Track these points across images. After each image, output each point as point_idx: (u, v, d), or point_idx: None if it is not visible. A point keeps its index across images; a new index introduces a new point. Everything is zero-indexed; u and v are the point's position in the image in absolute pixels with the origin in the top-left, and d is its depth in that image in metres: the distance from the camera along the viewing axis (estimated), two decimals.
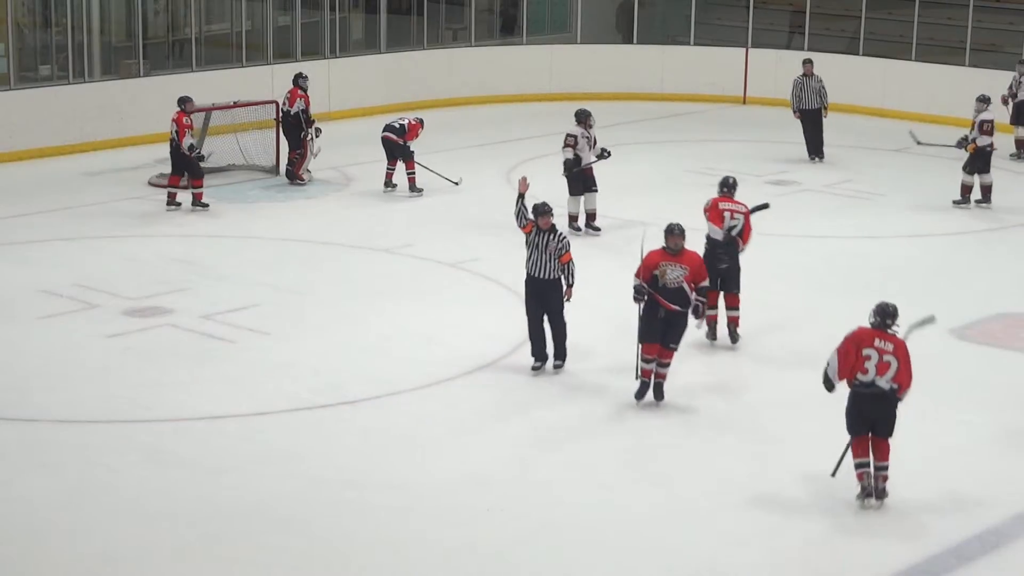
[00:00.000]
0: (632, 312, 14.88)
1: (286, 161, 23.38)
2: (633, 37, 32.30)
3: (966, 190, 22.70)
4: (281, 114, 23.56)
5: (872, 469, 12.46)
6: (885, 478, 12.47)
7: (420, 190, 22.98)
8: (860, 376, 12.40)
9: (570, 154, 20.41)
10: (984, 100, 22.74)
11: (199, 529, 11.98)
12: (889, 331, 12.55)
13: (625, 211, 21.44)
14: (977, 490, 12.98)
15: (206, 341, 16.30)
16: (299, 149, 23.35)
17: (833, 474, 12.47)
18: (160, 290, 17.87)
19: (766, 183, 24.24)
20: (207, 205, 21.60)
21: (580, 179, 20.63)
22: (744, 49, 31.36)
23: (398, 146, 22.97)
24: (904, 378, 12.45)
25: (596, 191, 20.75)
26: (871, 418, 12.46)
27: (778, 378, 15.47)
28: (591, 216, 20.81)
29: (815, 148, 24.99)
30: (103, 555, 11.57)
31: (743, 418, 14.40)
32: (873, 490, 12.43)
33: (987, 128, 22.42)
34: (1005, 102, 26.13)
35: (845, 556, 11.71)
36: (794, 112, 25.36)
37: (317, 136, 23.51)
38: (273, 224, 21.19)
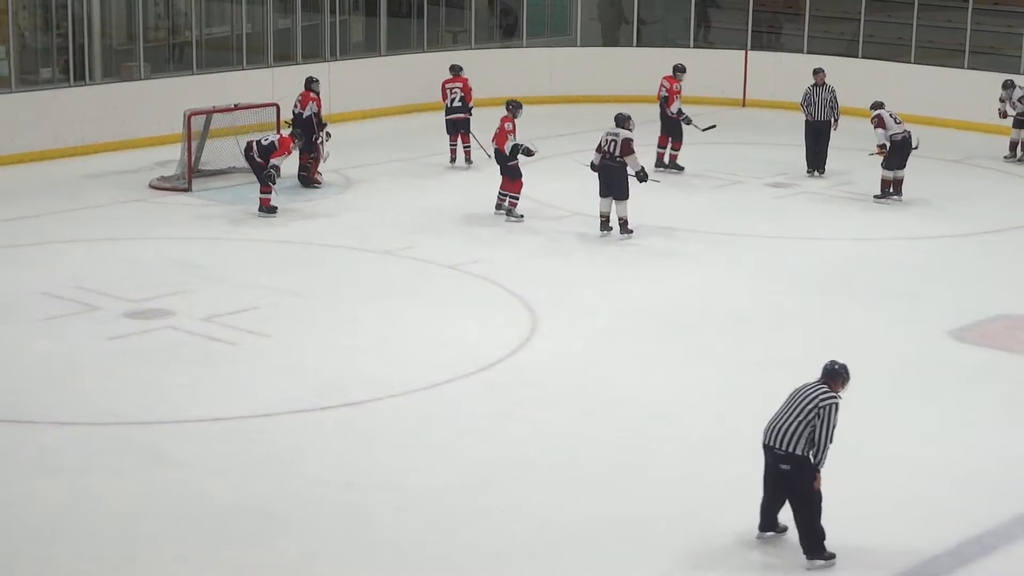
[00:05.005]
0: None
1: (298, 166, 23.38)
2: (633, 40, 32.36)
3: (892, 184, 23.08)
4: (292, 117, 23.60)
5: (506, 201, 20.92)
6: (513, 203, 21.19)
7: (472, 162, 24.95)
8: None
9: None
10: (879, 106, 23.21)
11: (200, 531, 12.00)
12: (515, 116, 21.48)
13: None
14: (976, 492, 13.01)
15: (207, 343, 16.33)
16: (312, 153, 23.41)
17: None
18: (161, 292, 17.89)
19: (765, 185, 24.29)
20: (274, 209, 21.70)
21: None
22: (743, 52, 31.40)
23: (464, 121, 25.15)
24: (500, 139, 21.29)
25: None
26: None
27: (779, 378, 15.47)
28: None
29: (817, 161, 24.82)
30: (103, 557, 11.59)
31: (745, 421, 14.42)
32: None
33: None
34: (1003, 115, 26.18)
35: (844, 557, 11.74)
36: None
37: (327, 140, 23.56)
38: (273, 226, 21.21)
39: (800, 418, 11.41)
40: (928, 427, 14.46)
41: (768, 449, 11.59)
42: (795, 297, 18.42)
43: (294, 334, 16.68)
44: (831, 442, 11.46)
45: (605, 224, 20.72)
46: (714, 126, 25.17)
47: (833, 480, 12.83)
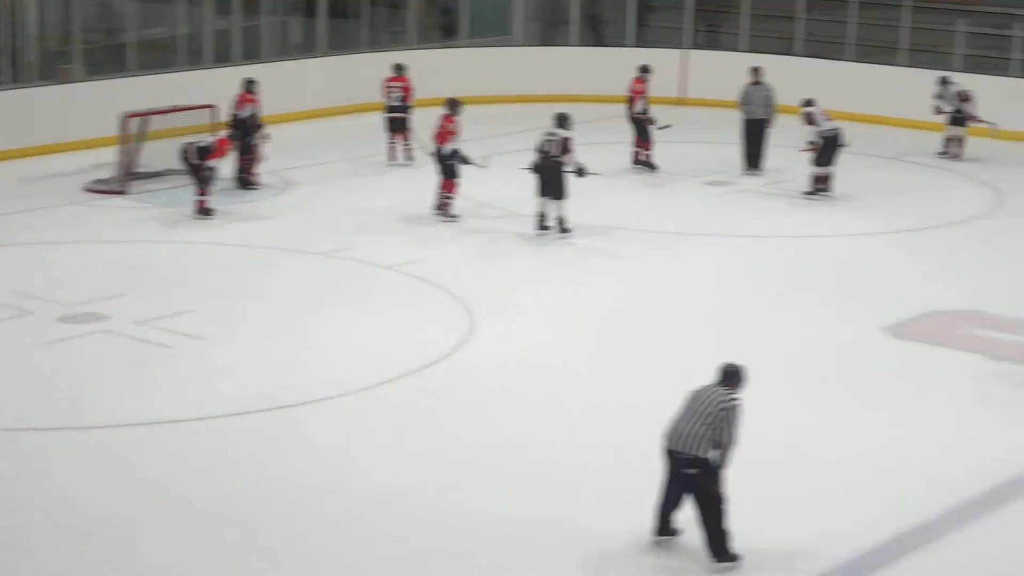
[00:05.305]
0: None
1: (236, 167, 23.31)
2: (572, 39, 32.44)
3: (820, 181, 23.41)
4: (230, 118, 23.51)
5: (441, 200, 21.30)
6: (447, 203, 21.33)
7: (413, 159, 25.14)
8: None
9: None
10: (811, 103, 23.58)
11: (138, 536, 11.92)
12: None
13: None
14: (911, 486, 13.10)
15: (143, 347, 16.23)
16: (250, 154, 23.36)
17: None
18: (96, 296, 17.78)
19: (703, 183, 24.39)
20: (210, 212, 21.63)
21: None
22: (683, 51, 31.48)
23: (403, 120, 25.36)
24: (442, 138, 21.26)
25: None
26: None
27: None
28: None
29: (755, 159, 25.02)
30: (40, 564, 11.50)
31: None
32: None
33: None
34: (938, 112, 26.40)
35: (780, 554, 11.80)
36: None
37: (265, 141, 23.50)
38: (210, 228, 21.12)
39: (705, 421, 11.37)
40: (865, 423, 14.53)
41: (672, 454, 11.52)
42: (732, 295, 18.49)
43: (231, 337, 16.62)
44: (736, 443, 11.48)
45: (543, 224, 20.75)
46: (669, 126, 25.24)
47: (769, 477, 12.96)
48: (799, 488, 13.00)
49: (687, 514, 11.68)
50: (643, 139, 25.28)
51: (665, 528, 11.81)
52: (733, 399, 11.47)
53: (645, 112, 25.09)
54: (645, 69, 25.43)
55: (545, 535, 12.05)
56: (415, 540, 11.97)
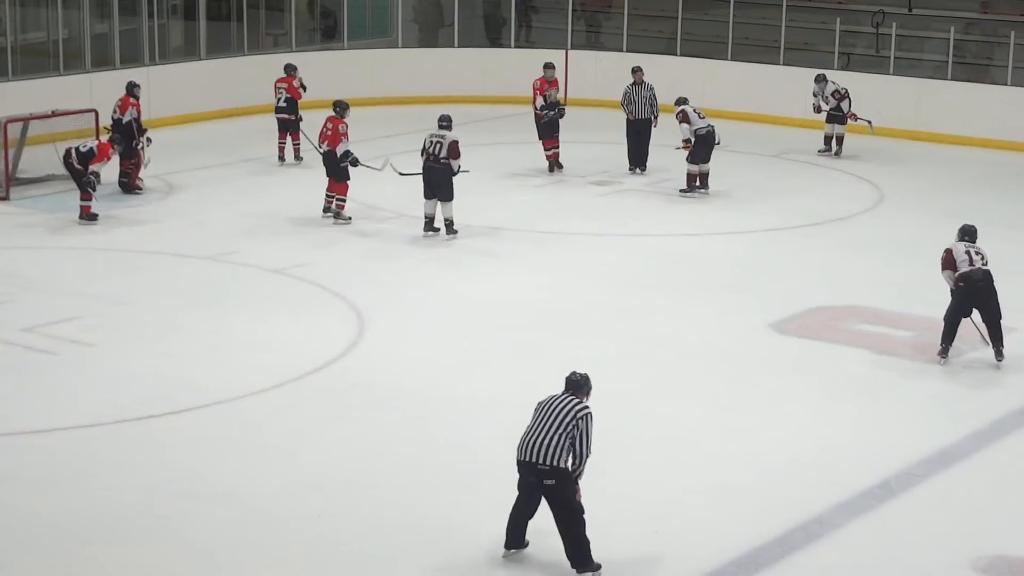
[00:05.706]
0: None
1: (119, 172, 23.10)
2: (453, 40, 32.48)
3: (699, 178, 23.68)
4: (112, 123, 23.30)
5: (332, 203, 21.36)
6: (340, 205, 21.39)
7: (302, 158, 25.13)
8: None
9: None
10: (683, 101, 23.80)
11: (24, 545, 11.82)
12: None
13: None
14: (798, 481, 13.27)
15: (29, 354, 16.07)
16: (132, 159, 23.17)
17: None
18: None
19: (588, 183, 24.51)
20: (94, 217, 21.37)
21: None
22: (564, 51, 31.62)
23: (291, 121, 25.21)
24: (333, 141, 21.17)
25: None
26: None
27: (607, 376, 15.63)
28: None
29: (638, 159, 25.19)
30: None
31: None
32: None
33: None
34: (817, 110, 26.73)
35: (669, 550, 11.91)
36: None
37: (148, 145, 23.32)
38: (95, 234, 20.92)
39: (560, 431, 11.29)
40: (750, 419, 14.69)
41: (528, 466, 11.39)
42: (619, 294, 18.61)
43: (118, 343, 16.49)
44: (591, 452, 11.45)
45: (430, 225, 20.78)
46: (562, 112, 25.22)
47: (658, 473, 13.07)
48: (685, 487, 13.10)
49: (536, 526, 11.67)
50: (541, 137, 25.23)
51: (519, 540, 11.77)
52: (586, 408, 11.46)
53: (544, 109, 25.00)
54: (547, 66, 25.20)
55: (408, 539, 12.07)
56: (285, 538, 12.00)
